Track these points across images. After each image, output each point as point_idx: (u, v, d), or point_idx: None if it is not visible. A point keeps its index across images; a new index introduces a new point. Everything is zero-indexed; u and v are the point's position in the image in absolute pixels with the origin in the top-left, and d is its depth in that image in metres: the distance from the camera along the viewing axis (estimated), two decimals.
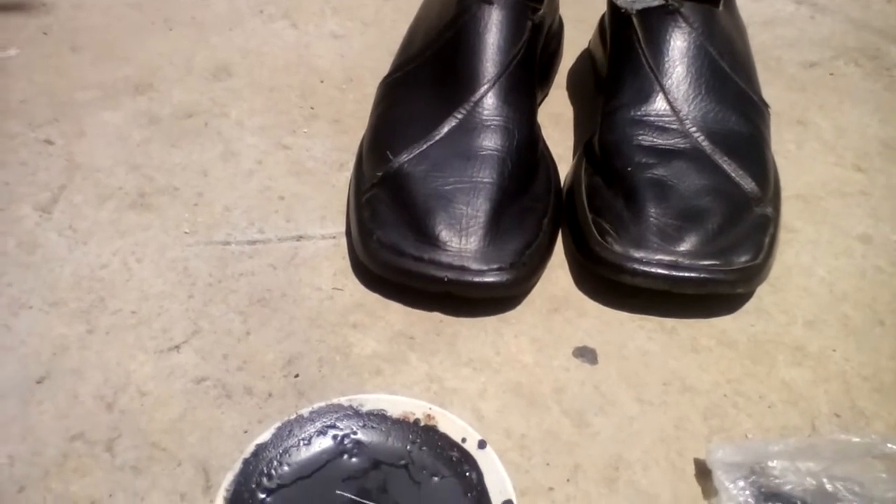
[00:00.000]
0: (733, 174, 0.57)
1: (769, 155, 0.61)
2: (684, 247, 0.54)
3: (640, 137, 0.59)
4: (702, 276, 0.53)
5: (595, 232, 0.56)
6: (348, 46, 0.76)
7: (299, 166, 0.64)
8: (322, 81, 0.72)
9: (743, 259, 0.54)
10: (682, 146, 0.58)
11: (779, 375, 0.53)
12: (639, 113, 0.60)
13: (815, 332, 0.56)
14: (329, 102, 0.70)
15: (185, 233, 0.58)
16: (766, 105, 0.63)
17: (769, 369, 0.53)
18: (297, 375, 0.50)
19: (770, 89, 0.75)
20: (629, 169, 0.57)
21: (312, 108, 0.69)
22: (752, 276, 0.55)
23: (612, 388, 0.51)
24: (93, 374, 0.50)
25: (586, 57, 0.77)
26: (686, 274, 0.53)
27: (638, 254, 0.54)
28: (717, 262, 0.54)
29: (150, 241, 0.57)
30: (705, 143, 0.58)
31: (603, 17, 0.73)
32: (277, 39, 0.76)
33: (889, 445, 0.44)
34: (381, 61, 0.72)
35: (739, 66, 0.63)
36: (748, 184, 0.57)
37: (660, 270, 0.53)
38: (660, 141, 0.59)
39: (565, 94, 0.74)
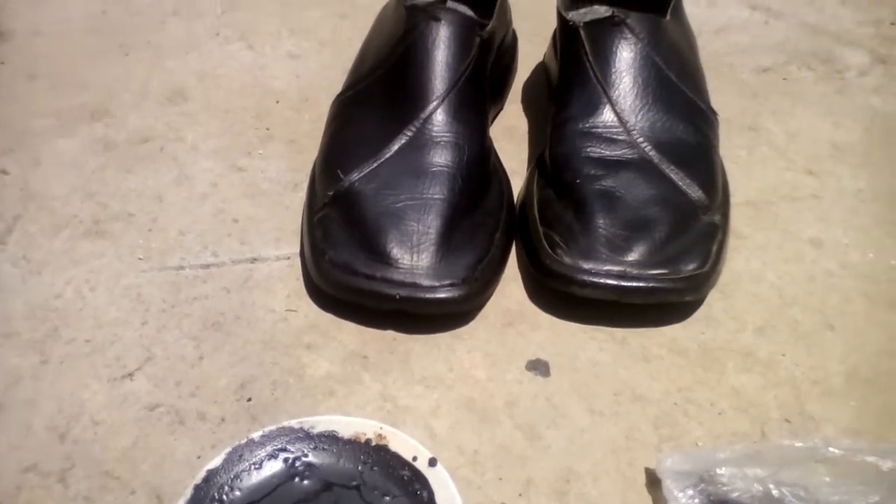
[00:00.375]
0: (680, 183, 0.58)
1: (717, 162, 0.62)
2: (632, 257, 0.54)
3: (588, 149, 0.60)
4: (650, 285, 0.54)
5: (546, 245, 0.57)
6: (304, 66, 0.77)
7: (254, 188, 0.64)
8: (278, 102, 0.73)
9: (691, 267, 0.55)
10: (630, 157, 0.59)
11: (729, 382, 0.54)
12: (587, 125, 0.61)
13: (765, 337, 0.56)
14: (284, 123, 0.71)
15: (139, 259, 0.58)
16: (714, 113, 0.64)
17: (719, 376, 0.54)
18: (249, 399, 0.51)
19: (722, 96, 0.76)
20: (578, 181, 0.58)
21: (268, 129, 0.70)
22: (700, 283, 0.55)
23: (564, 401, 0.52)
24: (46, 404, 0.50)
25: (541, 70, 0.78)
26: (634, 284, 0.54)
27: (587, 265, 0.54)
28: (665, 271, 0.54)
29: (104, 268, 0.58)
30: (653, 153, 0.59)
31: (555, 30, 0.73)
32: (234, 61, 0.77)
33: (831, 449, 0.45)
34: (336, 80, 0.72)
35: (687, 76, 0.64)
36: (695, 192, 0.58)
37: (608, 281, 0.54)
38: (608, 152, 0.59)
39: (520, 107, 0.75)
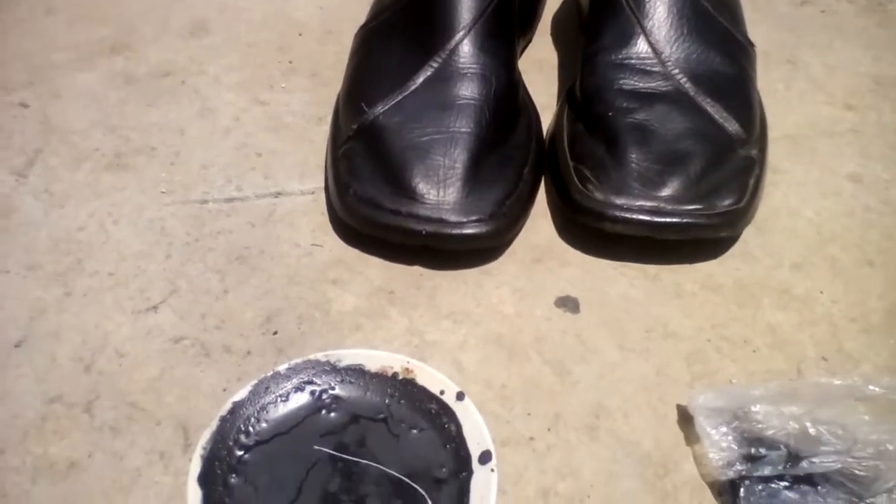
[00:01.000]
0: (717, 116, 0.56)
1: (755, 96, 0.60)
2: (666, 192, 0.53)
3: (621, 81, 0.58)
4: (685, 220, 0.52)
5: (576, 179, 0.55)
6: None
7: (277, 122, 0.63)
8: (301, 34, 0.71)
9: (727, 202, 0.53)
10: (664, 89, 0.57)
11: (764, 319, 0.52)
12: (620, 56, 0.59)
13: (802, 274, 0.55)
14: (307, 56, 0.69)
15: (162, 192, 0.58)
16: (751, 45, 0.62)
17: (754, 313, 0.53)
18: (275, 333, 0.50)
19: (759, 29, 0.73)
20: (610, 114, 0.56)
21: (291, 62, 0.68)
22: (736, 219, 0.54)
23: (594, 337, 0.51)
24: (70, 336, 0.49)
25: (572, 1, 0.76)
26: (668, 219, 0.52)
27: (619, 200, 0.53)
28: (700, 207, 0.53)
29: (127, 201, 0.57)
30: (688, 86, 0.57)
31: None
32: None
33: (871, 387, 0.44)
34: (361, 11, 0.70)
35: (723, 6, 0.61)
36: (732, 126, 0.56)
37: (641, 217, 0.52)
38: (641, 84, 0.57)
39: (550, 39, 0.72)
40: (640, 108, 0.56)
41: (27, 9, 0.72)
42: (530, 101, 0.63)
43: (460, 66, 0.57)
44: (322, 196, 0.58)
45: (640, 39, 0.59)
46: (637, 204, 0.53)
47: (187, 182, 0.58)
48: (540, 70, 0.69)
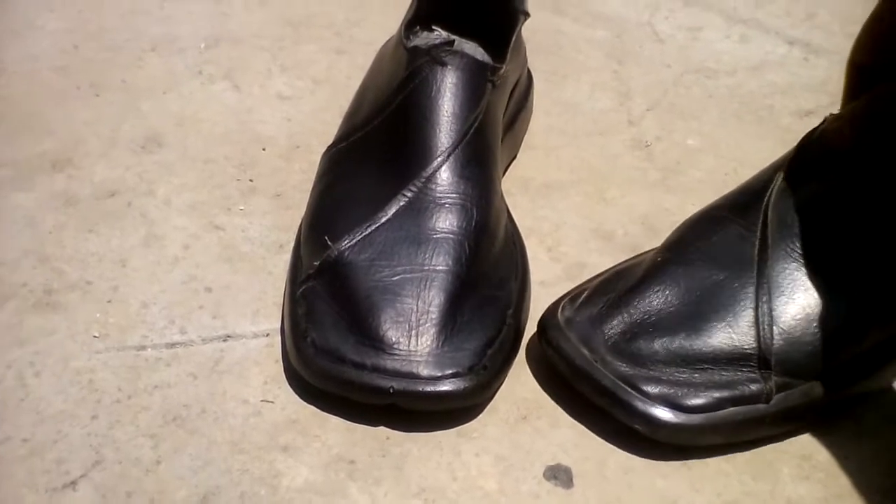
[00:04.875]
0: None
1: None
2: None
3: None
4: None
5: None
6: (296, 109, 0.69)
7: (232, 251, 0.57)
8: (264, 149, 0.65)
9: None
10: None
11: (784, 493, 0.45)
12: None
13: (825, 436, 0.48)
14: (271, 174, 0.63)
15: (95, 337, 0.50)
16: None
17: (773, 486, 0.45)
18: None
19: (762, 142, 0.69)
20: None
21: (251, 181, 0.62)
22: None
23: None
24: None
25: (559, 113, 0.70)
26: None
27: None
28: None
29: (53, 349, 0.50)
30: None
31: None
32: (216, 103, 0.69)
33: None
34: (331, 124, 0.65)
35: None
36: None
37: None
38: None
39: (537, 155, 0.67)
40: None
41: None
42: (515, 229, 0.56)
43: (437, 195, 0.51)
44: (278, 340, 0.51)
45: None
46: None
47: (124, 324, 0.51)
48: (525, 190, 0.63)
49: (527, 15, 0.61)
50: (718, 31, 0.83)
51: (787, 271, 0.47)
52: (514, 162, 0.65)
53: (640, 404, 0.45)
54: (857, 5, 0.86)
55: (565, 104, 0.72)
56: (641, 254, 0.54)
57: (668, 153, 0.68)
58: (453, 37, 0.60)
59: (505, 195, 0.59)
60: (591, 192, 0.64)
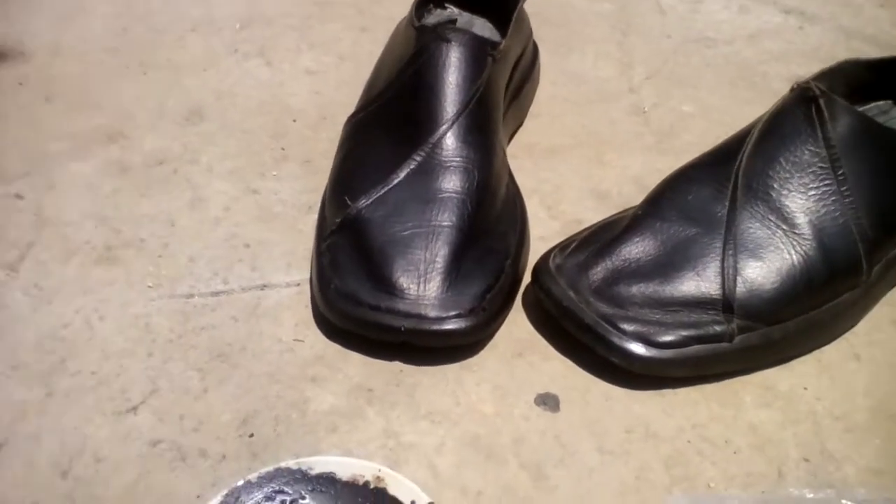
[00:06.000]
0: None
1: None
2: None
3: None
4: None
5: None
6: (323, 82, 0.76)
7: (267, 211, 0.64)
8: (295, 120, 0.72)
9: None
10: None
11: (746, 418, 0.52)
12: None
13: (787, 369, 0.54)
14: (301, 142, 0.70)
15: (149, 287, 0.58)
16: None
17: (736, 412, 0.52)
18: (251, 435, 0.50)
19: (754, 107, 0.73)
20: None
21: (283, 149, 0.69)
22: None
23: (573, 438, 0.50)
24: (50, 440, 0.50)
25: (564, 83, 0.76)
26: None
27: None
28: None
29: (114, 297, 0.58)
30: None
31: None
32: (251, 79, 0.76)
33: (844, 501, 0.43)
34: (355, 96, 0.71)
35: None
36: None
37: None
38: None
39: (542, 122, 0.73)
40: None
41: (28, 96, 0.73)
42: (516, 188, 0.63)
43: (443, 159, 0.58)
44: (307, 288, 0.59)
45: None
46: None
47: (174, 276, 0.59)
48: (530, 154, 0.69)
49: None
50: (718, 3, 0.88)
51: (751, 230, 0.53)
52: (521, 129, 0.72)
53: (618, 340, 0.51)
54: None
55: (570, 74, 0.78)
56: (627, 209, 0.60)
57: (663, 119, 0.73)
58: (455, 15, 0.66)
59: (511, 159, 0.65)
60: (590, 155, 0.70)
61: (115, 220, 0.63)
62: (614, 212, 0.62)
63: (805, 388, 0.53)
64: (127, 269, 0.59)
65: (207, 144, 0.69)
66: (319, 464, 0.46)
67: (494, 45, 0.61)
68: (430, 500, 0.45)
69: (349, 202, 0.57)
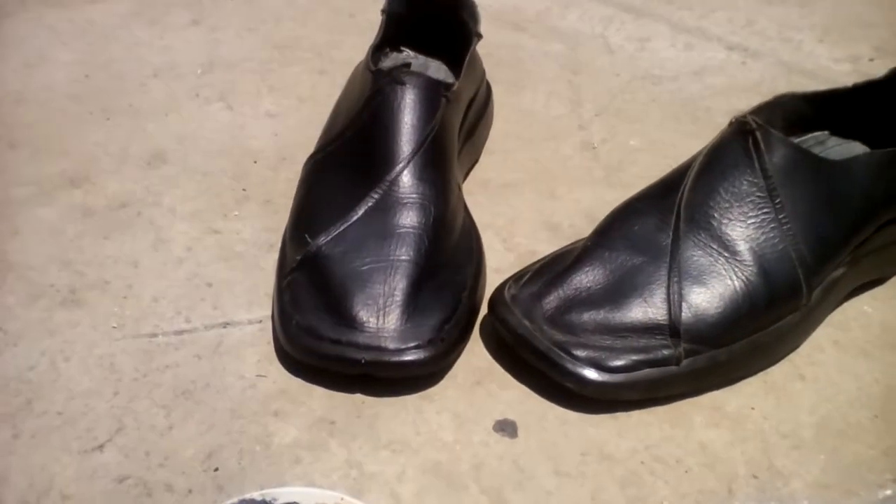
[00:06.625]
0: None
1: None
2: None
3: None
4: None
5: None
6: (283, 125, 0.78)
7: (228, 251, 0.65)
8: (255, 162, 0.74)
9: None
10: None
11: (697, 438, 0.54)
12: None
13: (734, 390, 0.56)
14: (261, 183, 0.72)
15: (114, 327, 0.59)
16: None
17: (687, 432, 0.54)
18: (216, 469, 0.51)
19: (698, 141, 0.76)
20: None
21: (244, 190, 0.71)
22: None
23: (531, 462, 0.52)
24: (17, 479, 0.50)
25: (517, 121, 0.79)
26: None
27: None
28: None
29: (79, 338, 0.59)
30: None
31: None
32: (212, 122, 0.78)
33: None
34: (314, 137, 0.73)
35: None
36: None
37: None
38: None
39: (496, 158, 0.75)
40: None
41: None
42: (472, 222, 0.65)
43: (400, 196, 0.60)
44: (269, 325, 0.60)
45: None
46: None
47: (138, 316, 0.60)
48: (485, 189, 0.72)
49: (479, 36, 0.69)
50: (665, 41, 0.92)
51: (695, 257, 0.56)
52: (476, 165, 0.74)
53: (571, 366, 0.53)
54: (794, 11, 0.96)
55: (523, 112, 0.81)
56: (577, 241, 0.62)
57: (612, 153, 0.76)
58: (411, 58, 0.69)
59: (467, 195, 0.67)
60: (542, 189, 0.72)
61: (79, 263, 0.64)
62: (566, 243, 0.65)
63: (752, 408, 0.56)
64: (91, 311, 0.60)
65: (170, 187, 0.71)
66: (284, 494, 0.48)
67: (448, 86, 0.63)
68: None
69: (309, 239, 0.59)
